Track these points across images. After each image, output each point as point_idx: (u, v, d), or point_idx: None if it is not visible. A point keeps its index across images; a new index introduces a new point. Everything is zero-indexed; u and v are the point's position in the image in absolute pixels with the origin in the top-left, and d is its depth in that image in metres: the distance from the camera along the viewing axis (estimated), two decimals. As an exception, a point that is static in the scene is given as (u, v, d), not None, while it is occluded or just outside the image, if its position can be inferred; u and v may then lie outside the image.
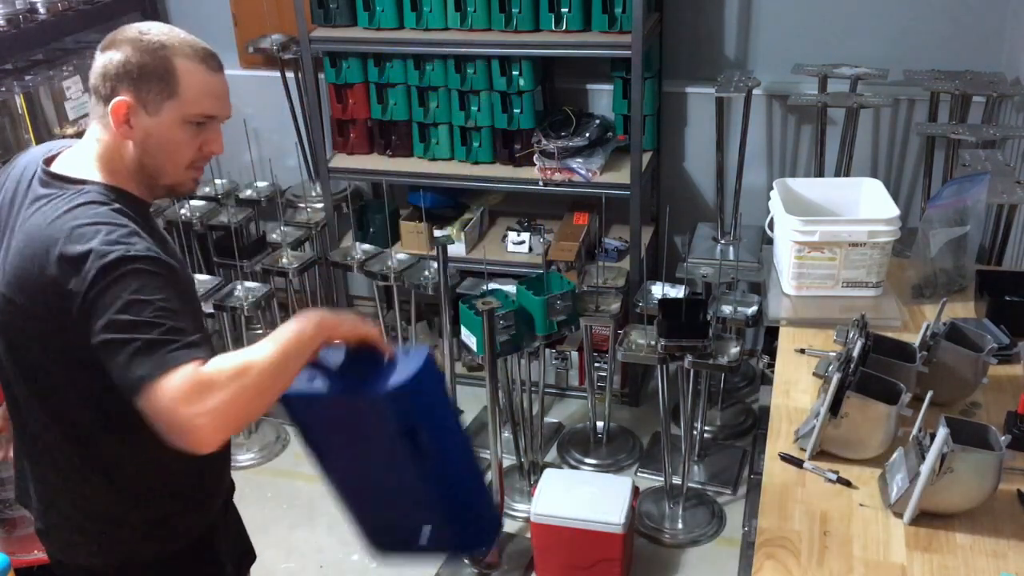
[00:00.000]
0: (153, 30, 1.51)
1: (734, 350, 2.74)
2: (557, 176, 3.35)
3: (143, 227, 1.45)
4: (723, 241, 3.46)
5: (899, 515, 1.72)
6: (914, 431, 1.73)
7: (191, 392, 1.23)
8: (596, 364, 3.46)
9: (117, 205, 1.46)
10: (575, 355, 3.63)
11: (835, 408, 1.81)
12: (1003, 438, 1.65)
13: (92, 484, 1.59)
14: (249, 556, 1.97)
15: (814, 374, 2.12)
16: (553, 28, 3.23)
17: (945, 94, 3.11)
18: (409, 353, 1.48)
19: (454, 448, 1.57)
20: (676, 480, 3.07)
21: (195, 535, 1.69)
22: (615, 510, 2.71)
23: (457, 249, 3.54)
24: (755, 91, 3.29)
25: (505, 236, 3.62)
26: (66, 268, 1.36)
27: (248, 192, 3.87)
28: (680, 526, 3.05)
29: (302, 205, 3.83)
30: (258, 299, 3.29)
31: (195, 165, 1.57)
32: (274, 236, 3.59)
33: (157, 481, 1.61)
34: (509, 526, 3.08)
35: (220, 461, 1.75)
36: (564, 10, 3.19)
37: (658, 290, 3.02)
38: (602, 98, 3.62)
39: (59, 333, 1.42)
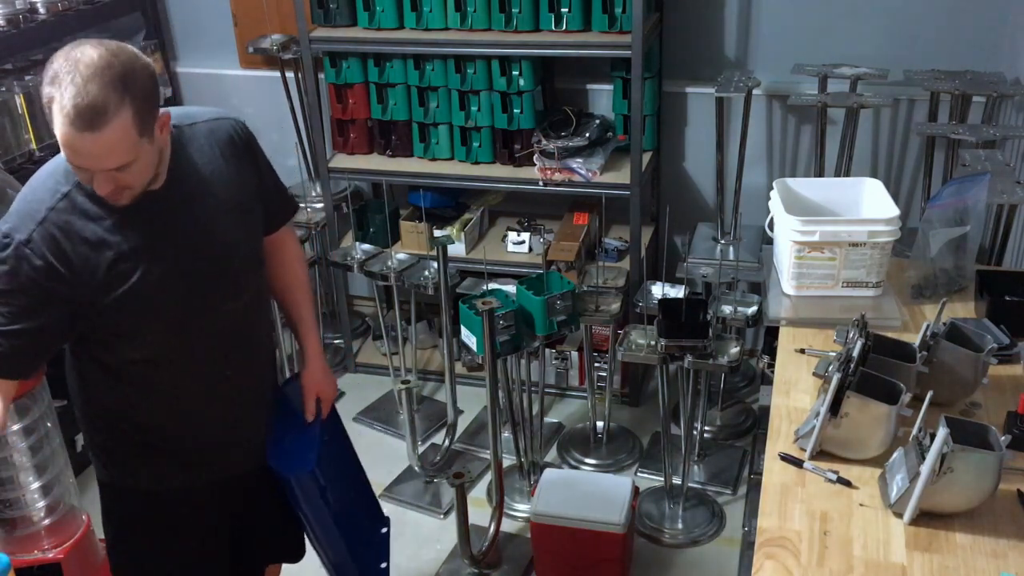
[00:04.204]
0: (68, 61, 1.48)
1: (734, 350, 2.74)
2: (557, 176, 3.35)
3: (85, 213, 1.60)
4: (723, 241, 3.46)
5: (899, 515, 1.72)
6: (914, 431, 1.73)
7: None
8: (596, 364, 3.46)
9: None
10: (575, 355, 3.63)
11: (835, 408, 1.81)
12: (1003, 438, 1.65)
13: None
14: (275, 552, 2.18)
15: (814, 374, 2.11)
16: (553, 28, 3.23)
17: (945, 94, 3.11)
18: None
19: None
20: (676, 480, 3.08)
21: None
22: (615, 510, 2.70)
23: (457, 249, 3.54)
24: (755, 91, 3.29)
25: (505, 236, 3.62)
26: None
27: (248, 192, 3.86)
28: (680, 526, 3.05)
29: (302, 205, 3.81)
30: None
31: (107, 195, 1.59)
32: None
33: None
34: (509, 526, 3.08)
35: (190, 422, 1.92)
36: (564, 10, 3.19)
37: (658, 290, 3.02)
38: (602, 98, 3.62)
39: None
